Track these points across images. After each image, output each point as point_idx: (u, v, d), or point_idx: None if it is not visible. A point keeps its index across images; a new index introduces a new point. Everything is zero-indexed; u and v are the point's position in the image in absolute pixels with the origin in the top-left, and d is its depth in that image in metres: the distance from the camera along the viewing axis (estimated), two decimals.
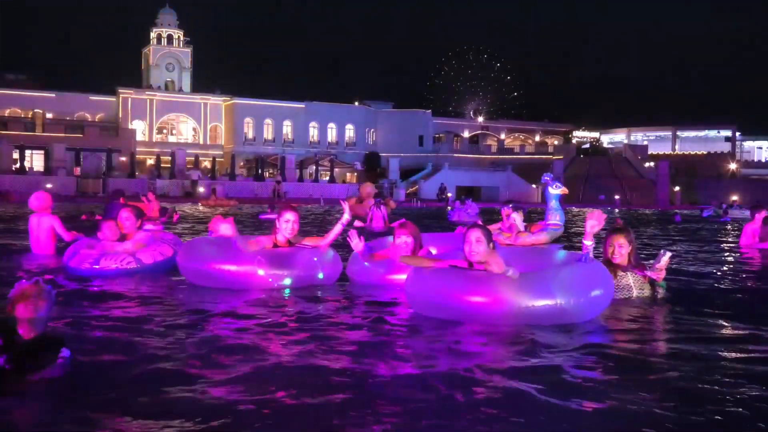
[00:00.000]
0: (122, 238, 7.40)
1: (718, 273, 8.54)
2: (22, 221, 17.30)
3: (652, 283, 5.87)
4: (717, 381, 3.62)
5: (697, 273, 8.39)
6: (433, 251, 6.57)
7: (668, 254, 5.87)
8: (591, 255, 5.52)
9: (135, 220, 7.54)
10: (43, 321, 3.40)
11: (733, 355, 4.22)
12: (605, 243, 6.01)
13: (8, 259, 8.60)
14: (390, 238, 7.06)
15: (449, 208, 24.75)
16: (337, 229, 6.82)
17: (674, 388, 3.47)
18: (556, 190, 12.51)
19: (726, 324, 5.12)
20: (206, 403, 3.13)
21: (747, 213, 30.05)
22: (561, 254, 5.77)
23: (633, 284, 5.83)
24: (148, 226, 14.30)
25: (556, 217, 12.31)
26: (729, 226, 22.53)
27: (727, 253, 11.65)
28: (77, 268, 6.95)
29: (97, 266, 6.89)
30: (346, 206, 6.95)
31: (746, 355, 4.19)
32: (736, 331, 4.90)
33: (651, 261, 6.14)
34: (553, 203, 12.61)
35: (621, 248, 5.88)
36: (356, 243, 6.64)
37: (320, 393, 3.29)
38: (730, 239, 15.81)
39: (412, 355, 4.07)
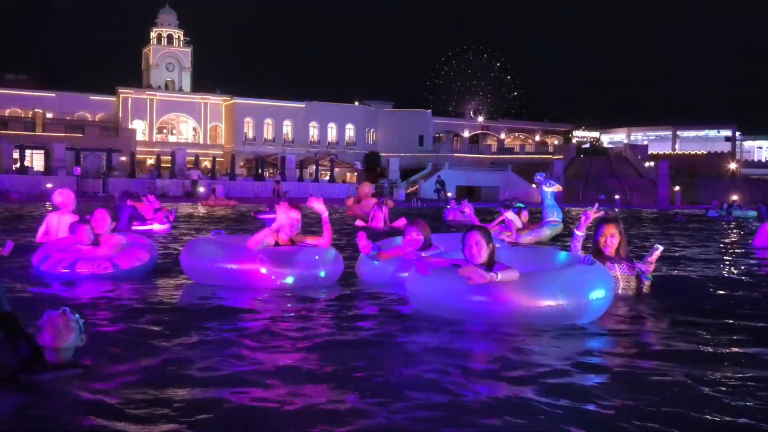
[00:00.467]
0: (96, 238, 7.16)
1: (734, 274, 8.46)
2: (31, 221, 17.31)
3: (639, 275, 5.90)
4: (717, 382, 3.62)
5: (710, 276, 8.31)
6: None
7: (660, 248, 5.95)
8: (580, 245, 5.71)
9: (109, 221, 7.34)
10: (71, 350, 3.36)
11: (737, 356, 4.22)
12: (596, 232, 6.04)
13: (20, 254, 8.57)
14: (398, 239, 7.09)
15: (447, 207, 24.69)
16: (327, 227, 6.82)
17: (674, 388, 3.48)
18: (550, 188, 12.65)
19: (739, 327, 5.11)
20: (207, 402, 3.13)
21: (748, 212, 30.13)
22: (563, 255, 5.78)
23: (620, 277, 5.86)
24: (156, 226, 14.58)
25: (553, 214, 12.45)
26: (733, 226, 22.50)
27: (744, 254, 11.52)
28: (50, 272, 6.72)
29: (71, 270, 6.65)
30: (314, 203, 6.76)
31: (751, 357, 4.19)
32: (745, 335, 4.89)
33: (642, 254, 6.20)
34: (549, 201, 12.74)
35: (612, 238, 5.92)
36: (364, 244, 6.65)
37: (321, 392, 3.29)
38: (740, 239, 15.72)
39: (413, 355, 4.07)
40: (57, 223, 8.69)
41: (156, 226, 14.48)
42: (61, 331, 3.29)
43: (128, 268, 6.87)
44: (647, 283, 5.91)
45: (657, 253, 5.88)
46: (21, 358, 3.23)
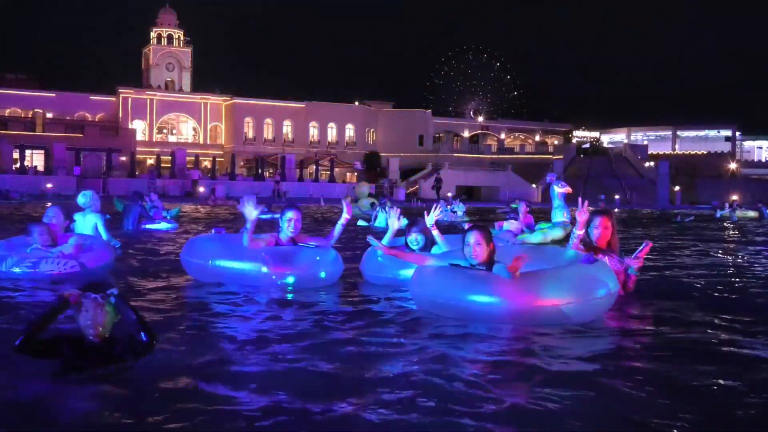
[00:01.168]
0: (53, 238, 6.88)
1: (740, 274, 8.41)
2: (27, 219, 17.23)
3: (626, 270, 5.93)
4: (715, 380, 3.62)
5: (713, 275, 8.30)
6: (445, 248, 6.50)
7: (650, 243, 6.02)
8: (579, 242, 5.71)
9: (62, 219, 7.13)
10: (108, 329, 3.45)
11: (739, 357, 4.21)
12: (588, 224, 6.01)
13: None
14: (402, 239, 7.07)
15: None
16: (339, 229, 6.82)
17: (675, 387, 3.47)
18: (561, 189, 12.82)
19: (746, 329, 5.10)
20: (207, 402, 3.12)
21: (749, 212, 30.15)
22: (565, 254, 5.77)
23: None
24: (164, 225, 14.80)
25: (563, 215, 12.61)
26: (735, 226, 22.49)
27: (752, 254, 11.45)
28: (8, 271, 6.42)
29: (36, 270, 6.41)
30: (346, 206, 6.89)
31: (753, 359, 4.18)
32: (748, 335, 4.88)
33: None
34: (558, 202, 12.90)
35: (606, 230, 5.94)
36: (394, 221, 6.77)
37: (322, 392, 3.28)
38: (753, 239, 15.70)
39: (415, 354, 4.06)
40: (82, 222, 8.96)
41: (164, 225, 14.68)
42: (95, 314, 3.41)
43: (94, 267, 6.73)
44: (634, 278, 5.97)
45: (646, 249, 5.93)
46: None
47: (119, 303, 3.50)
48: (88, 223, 8.93)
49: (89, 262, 6.72)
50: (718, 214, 30.27)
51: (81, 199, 9.09)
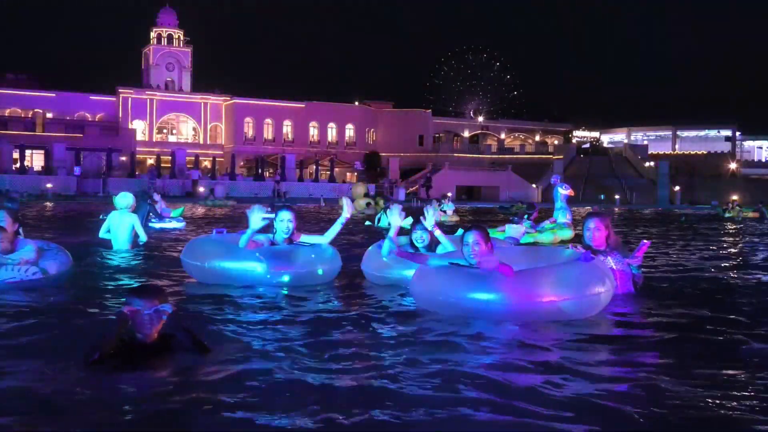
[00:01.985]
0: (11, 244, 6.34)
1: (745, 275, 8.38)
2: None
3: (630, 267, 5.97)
4: (714, 380, 3.61)
5: (718, 277, 8.28)
6: (450, 248, 6.47)
7: (647, 243, 6.04)
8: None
9: (12, 222, 6.57)
10: (158, 328, 3.68)
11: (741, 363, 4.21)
12: (583, 227, 6.11)
13: (91, 254, 8.71)
14: (402, 238, 7.06)
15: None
16: (338, 227, 6.79)
17: (674, 386, 3.46)
18: (564, 191, 13.06)
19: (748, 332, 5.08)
20: (204, 403, 3.10)
21: (750, 212, 30.22)
22: (564, 253, 5.78)
23: (615, 268, 5.86)
24: (174, 223, 14.98)
25: (567, 216, 12.82)
26: (740, 226, 22.55)
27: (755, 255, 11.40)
28: None
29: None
30: (346, 205, 6.80)
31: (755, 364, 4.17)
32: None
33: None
34: (561, 203, 13.12)
35: (597, 231, 5.96)
36: (395, 218, 6.41)
37: (322, 391, 3.26)
38: (754, 240, 15.73)
39: (416, 354, 4.04)
40: (119, 222, 9.30)
41: (174, 224, 14.83)
42: (144, 326, 3.63)
43: (56, 273, 6.35)
44: (636, 275, 5.98)
45: (644, 248, 5.95)
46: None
47: (171, 323, 3.68)
48: (125, 222, 9.24)
49: (51, 268, 6.32)
50: (726, 214, 30.41)
51: (123, 201, 9.43)
